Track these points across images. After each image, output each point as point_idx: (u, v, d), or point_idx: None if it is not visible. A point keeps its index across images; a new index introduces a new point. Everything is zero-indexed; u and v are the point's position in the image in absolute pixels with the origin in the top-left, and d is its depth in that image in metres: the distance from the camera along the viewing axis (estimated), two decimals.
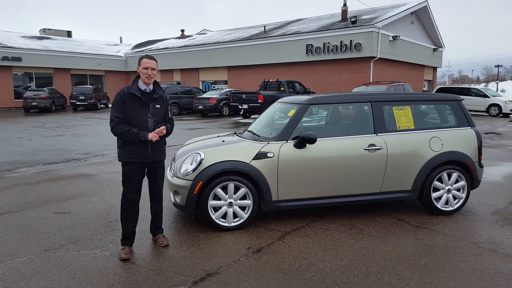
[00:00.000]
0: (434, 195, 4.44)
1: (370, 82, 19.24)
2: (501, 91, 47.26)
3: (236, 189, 3.99)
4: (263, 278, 3.06)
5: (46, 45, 30.46)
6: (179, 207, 4.11)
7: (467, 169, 4.51)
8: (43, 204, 4.96)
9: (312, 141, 4.02)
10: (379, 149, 4.26)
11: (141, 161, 3.45)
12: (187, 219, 4.40)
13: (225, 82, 27.72)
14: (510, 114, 19.11)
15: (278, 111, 5.08)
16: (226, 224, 4.03)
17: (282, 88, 18.11)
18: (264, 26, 28.36)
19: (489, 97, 19.45)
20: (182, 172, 4.04)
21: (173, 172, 4.25)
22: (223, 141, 4.50)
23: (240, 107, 18.02)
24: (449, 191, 4.48)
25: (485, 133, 12.39)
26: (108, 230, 4.06)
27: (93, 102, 24.27)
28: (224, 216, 4.02)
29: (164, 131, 3.42)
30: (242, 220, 4.05)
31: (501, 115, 19.02)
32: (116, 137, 3.45)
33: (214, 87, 28.13)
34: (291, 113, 4.41)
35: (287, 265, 3.28)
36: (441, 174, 4.42)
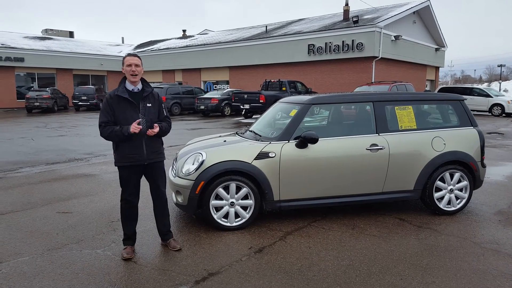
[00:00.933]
0: (437, 195, 4.43)
1: (372, 82, 19.23)
2: (504, 90, 47.04)
3: (238, 189, 4.00)
4: (265, 278, 3.06)
5: (48, 45, 30.57)
6: (181, 207, 4.12)
7: (470, 169, 4.50)
8: (45, 204, 4.98)
9: (314, 141, 4.02)
10: (381, 149, 4.26)
11: (138, 164, 3.40)
12: (189, 219, 4.41)
13: (227, 82, 27.72)
14: None
15: (279, 111, 5.08)
16: (228, 224, 4.03)
17: (283, 88, 18.10)
18: (266, 26, 28.38)
19: (491, 97, 19.40)
20: (184, 172, 4.04)
21: (175, 172, 4.25)
22: (225, 141, 4.51)
23: (241, 107, 18.01)
24: (451, 191, 4.47)
25: (487, 133, 12.35)
26: (110, 230, 4.07)
27: (95, 102, 24.32)
28: (226, 216, 4.03)
29: (157, 130, 3.32)
30: (244, 220, 4.06)
31: (504, 115, 18.97)
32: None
33: (215, 87, 28.13)
34: (293, 113, 4.41)
35: (289, 265, 3.28)
36: (443, 174, 4.41)
